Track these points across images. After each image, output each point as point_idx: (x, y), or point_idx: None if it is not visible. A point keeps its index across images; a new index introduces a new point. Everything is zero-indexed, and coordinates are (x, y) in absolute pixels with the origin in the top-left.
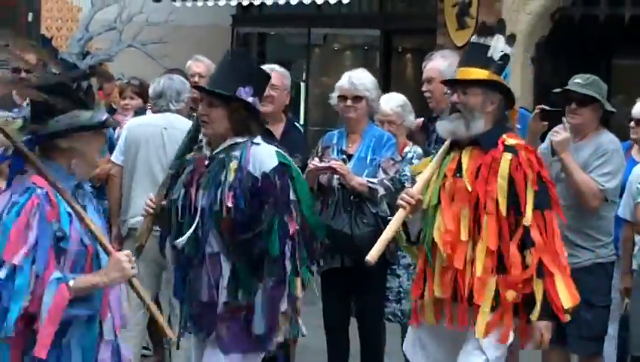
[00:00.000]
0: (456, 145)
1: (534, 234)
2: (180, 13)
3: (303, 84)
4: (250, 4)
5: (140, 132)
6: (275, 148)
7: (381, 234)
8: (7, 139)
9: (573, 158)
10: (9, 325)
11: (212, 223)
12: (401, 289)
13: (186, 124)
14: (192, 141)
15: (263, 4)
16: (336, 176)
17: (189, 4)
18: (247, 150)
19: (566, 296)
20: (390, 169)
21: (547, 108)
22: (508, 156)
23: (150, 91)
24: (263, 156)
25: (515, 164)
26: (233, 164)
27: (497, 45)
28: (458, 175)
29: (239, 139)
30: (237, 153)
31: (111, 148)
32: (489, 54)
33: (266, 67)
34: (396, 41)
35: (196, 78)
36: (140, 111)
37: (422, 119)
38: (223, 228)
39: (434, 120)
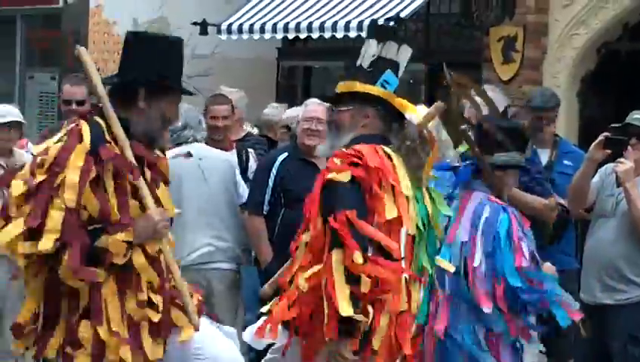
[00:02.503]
0: None
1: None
2: (226, 45)
3: None
4: (296, 37)
5: (176, 165)
6: None
7: None
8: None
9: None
10: None
11: None
12: None
13: (217, 151)
14: None
15: (308, 37)
16: None
17: (234, 37)
18: None
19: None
20: None
21: (612, 136)
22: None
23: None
24: None
25: (322, 173)
26: None
27: (367, 51)
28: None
29: None
30: None
31: None
32: (358, 63)
33: (312, 102)
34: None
35: None
36: None
37: None
38: None
39: None
